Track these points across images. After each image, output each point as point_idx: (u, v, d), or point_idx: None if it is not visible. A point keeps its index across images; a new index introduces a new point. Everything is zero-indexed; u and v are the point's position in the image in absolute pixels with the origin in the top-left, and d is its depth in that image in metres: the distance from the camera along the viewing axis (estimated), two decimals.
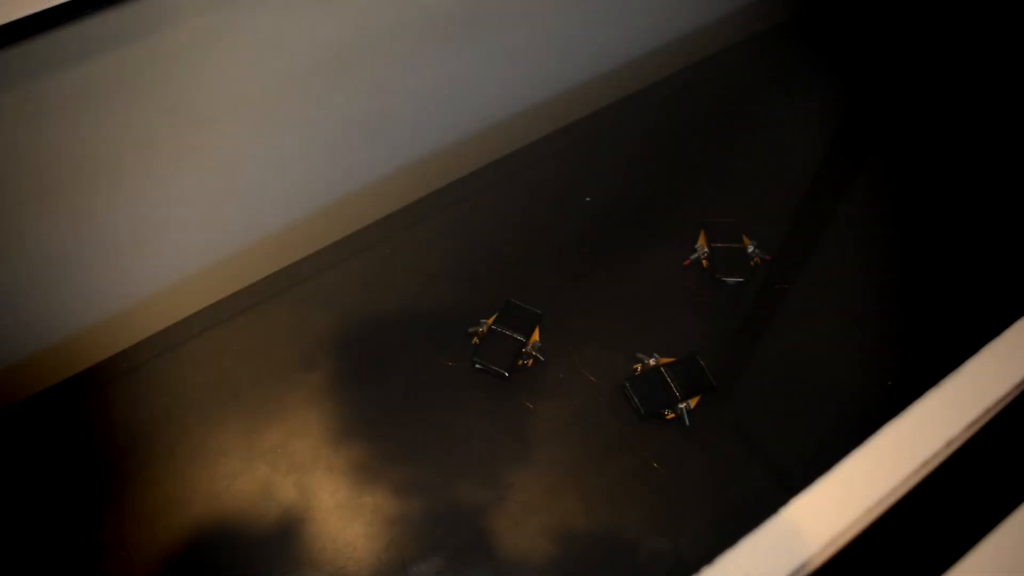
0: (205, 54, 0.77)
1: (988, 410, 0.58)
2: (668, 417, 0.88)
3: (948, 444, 0.57)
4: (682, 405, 0.88)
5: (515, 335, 0.92)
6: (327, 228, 1.01)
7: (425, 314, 0.96)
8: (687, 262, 1.00)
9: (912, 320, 0.95)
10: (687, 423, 0.87)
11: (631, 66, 1.17)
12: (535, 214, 1.04)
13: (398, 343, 0.93)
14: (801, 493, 0.54)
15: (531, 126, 1.11)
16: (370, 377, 0.91)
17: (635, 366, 0.91)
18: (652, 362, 0.91)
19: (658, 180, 1.07)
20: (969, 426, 0.57)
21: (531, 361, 0.91)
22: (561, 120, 1.12)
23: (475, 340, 0.92)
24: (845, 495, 0.54)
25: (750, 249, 0.99)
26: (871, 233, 1.03)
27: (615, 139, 1.11)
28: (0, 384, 0.89)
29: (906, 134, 1.13)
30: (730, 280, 0.98)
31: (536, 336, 0.93)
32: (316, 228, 1.01)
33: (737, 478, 0.83)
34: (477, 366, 0.90)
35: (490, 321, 0.93)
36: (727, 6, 1.21)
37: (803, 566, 0.52)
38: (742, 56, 1.22)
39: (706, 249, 1.00)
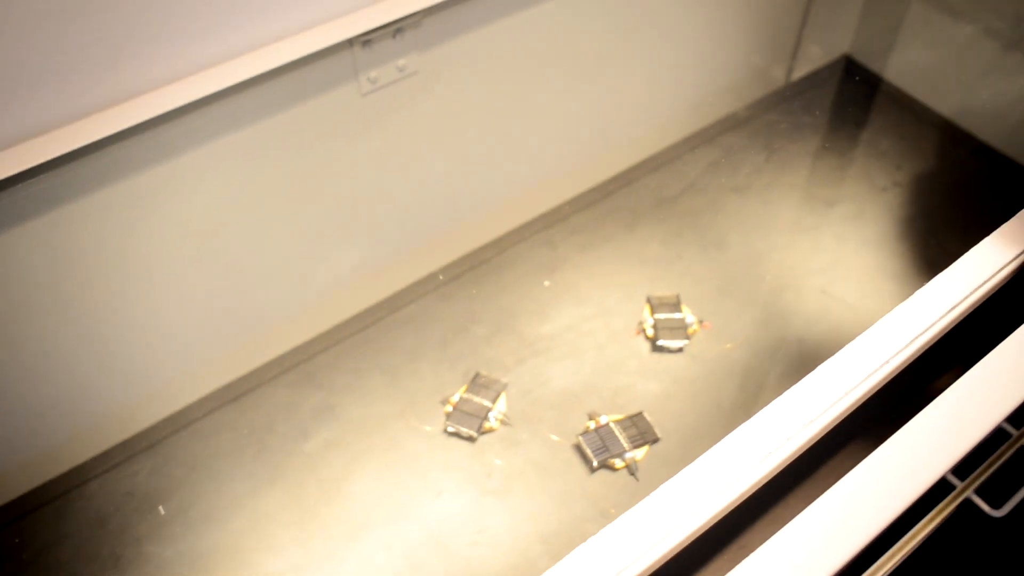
0: (202, 178, 0.93)
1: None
2: (617, 468, 1.00)
3: None
4: (630, 455, 1.00)
5: (483, 402, 1.05)
6: (319, 317, 1.16)
7: (406, 388, 1.09)
8: (636, 332, 1.14)
9: None
10: (636, 471, 1.00)
11: (582, 166, 1.34)
12: (500, 298, 1.19)
13: (382, 413, 1.07)
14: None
15: (500, 220, 1.27)
16: (358, 443, 1.04)
17: (587, 424, 1.04)
18: (603, 420, 1.04)
19: (606, 262, 1.22)
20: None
21: (498, 424, 1.05)
22: (523, 216, 1.29)
23: (448, 409, 1.06)
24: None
25: (689, 319, 1.13)
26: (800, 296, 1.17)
27: (571, 229, 1.27)
28: (29, 468, 1.03)
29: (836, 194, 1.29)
30: (672, 345, 1.11)
31: (502, 402, 1.06)
32: (310, 317, 1.16)
33: None
34: (450, 430, 1.04)
35: (462, 391, 1.07)
36: (660, 115, 1.39)
37: None
38: (689, 149, 1.39)
39: (651, 319, 1.14)
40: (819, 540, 0.66)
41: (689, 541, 0.72)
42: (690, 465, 0.74)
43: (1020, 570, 1.22)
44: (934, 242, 1.22)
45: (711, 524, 0.73)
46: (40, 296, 0.89)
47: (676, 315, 1.14)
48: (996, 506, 1.10)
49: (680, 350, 1.11)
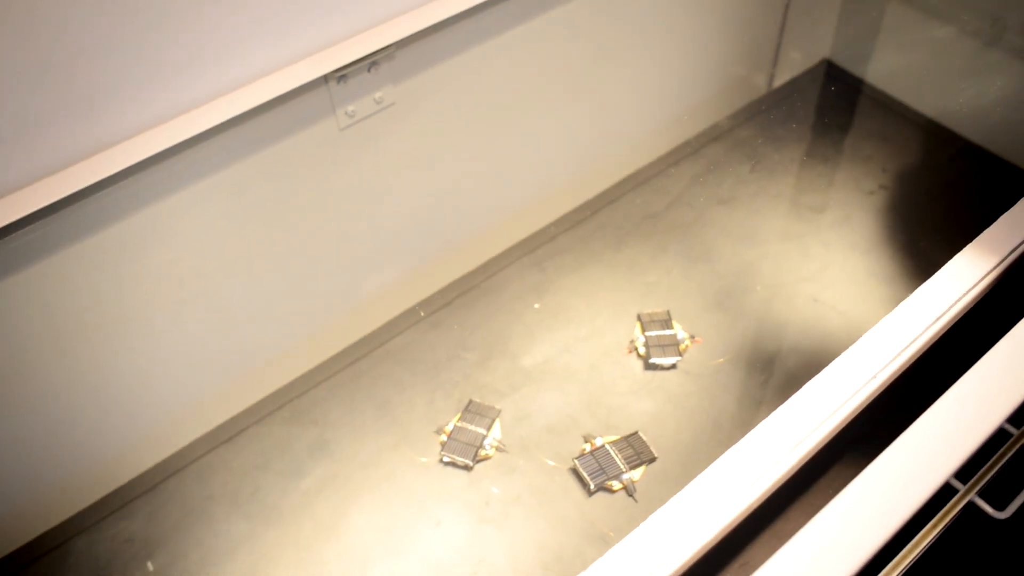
0: (185, 222, 0.93)
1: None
2: (615, 490, 0.99)
3: None
4: (627, 476, 1.00)
5: (477, 430, 1.05)
6: (310, 353, 1.16)
7: (399, 419, 1.09)
8: (628, 351, 1.13)
9: None
10: (634, 492, 0.99)
11: (570, 185, 1.34)
12: (491, 323, 1.18)
13: (377, 446, 1.06)
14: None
15: (486, 245, 1.27)
16: (354, 477, 1.04)
17: (583, 447, 1.03)
18: (599, 442, 1.03)
19: (595, 282, 1.22)
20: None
21: (493, 452, 1.04)
22: (509, 240, 1.29)
23: (443, 439, 1.05)
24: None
25: (680, 334, 1.13)
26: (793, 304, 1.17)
27: (558, 249, 1.27)
28: (27, 517, 1.02)
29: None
30: (665, 362, 1.11)
31: (496, 429, 1.06)
32: (301, 353, 1.16)
33: None
34: (445, 460, 1.03)
35: (455, 420, 1.06)
36: (644, 127, 1.40)
37: None
38: (672, 166, 1.39)
39: (642, 337, 1.13)
40: (826, 552, 0.65)
41: (691, 563, 0.71)
42: (688, 486, 0.73)
43: None
44: (924, 243, 1.22)
45: (713, 543, 0.72)
46: (29, 347, 0.89)
47: (667, 331, 1.14)
48: (1000, 508, 1.09)
49: (673, 367, 1.11)
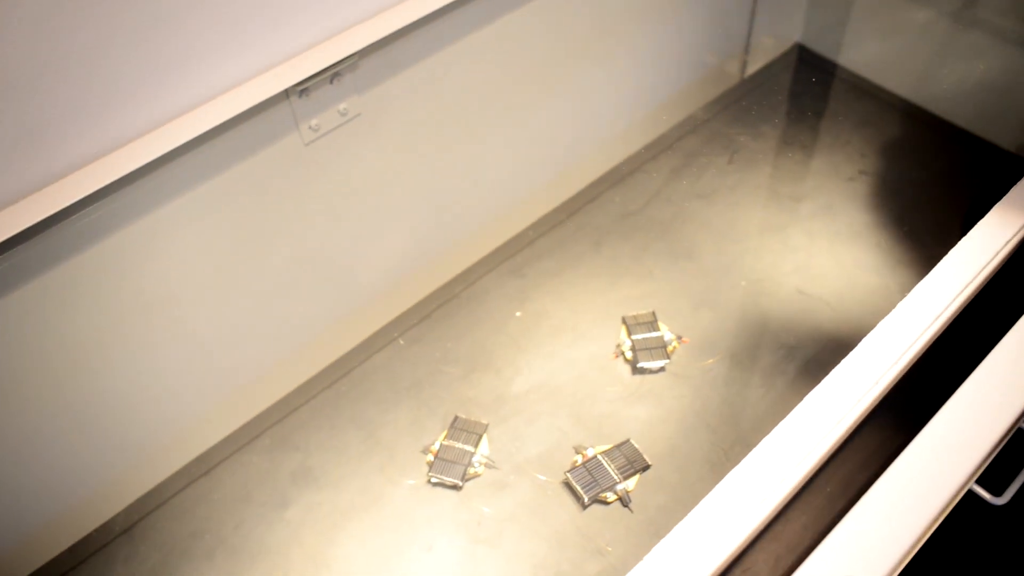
0: (151, 248, 0.89)
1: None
2: (609, 501, 0.97)
3: None
4: (621, 487, 0.97)
5: (465, 447, 1.02)
6: (288, 375, 1.12)
7: (384, 440, 1.05)
8: (615, 355, 1.11)
9: None
10: (629, 502, 0.96)
11: (551, 187, 1.31)
12: (472, 334, 1.15)
13: (362, 470, 1.03)
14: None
15: (464, 254, 1.24)
16: (340, 504, 1.00)
17: (574, 458, 1.00)
18: (590, 452, 1.00)
19: (577, 285, 1.19)
20: None
21: (483, 469, 1.01)
22: (487, 247, 1.25)
23: (429, 459, 1.02)
24: None
25: (667, 336, 1.10)
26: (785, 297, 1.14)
27: (537, 254, 1.24)
28: (4, 562, 0.98)
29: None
30: (653, 366, 1.08)
31: (484, 445, 1.02)
32: (279, 377, 1.12)
33: None
34: (433, 481, 1.00)
35: (442, 438, 1.03)
36: (632, 115, 1.37)
37: None
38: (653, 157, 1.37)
39: (628, 341, 1.11)
40: (852, 562, 0.63)
41: None
42: (697, 506, 0.70)
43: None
44: (907, 229, 1.20)
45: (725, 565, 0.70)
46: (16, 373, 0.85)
47: (654, 334, 1.11)
48: (997, 493, 1.08)
49: (662, 369, 1.08)
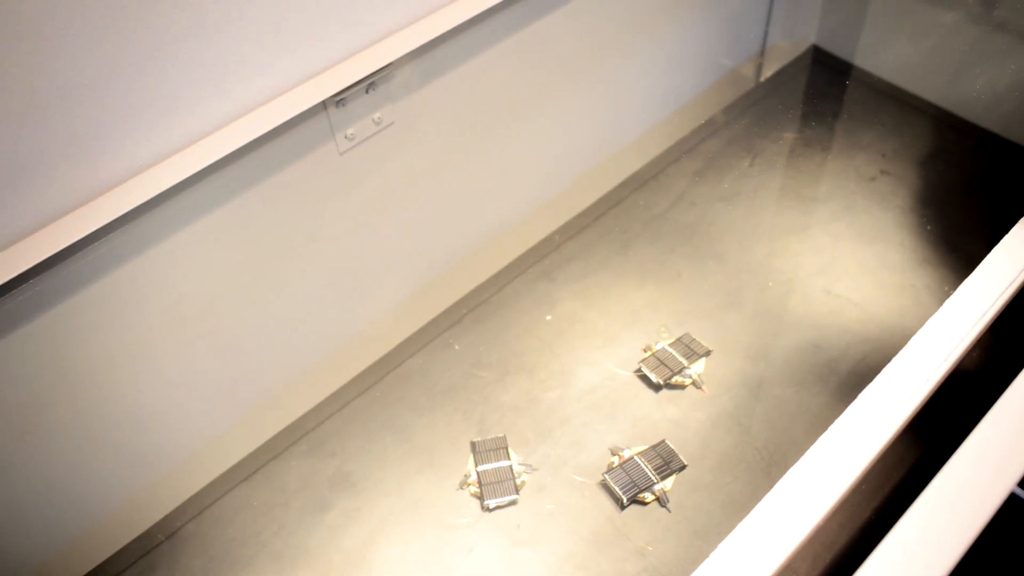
0: (190, 259, 0.90)
1: None
2: (647, 502, 0.98)
3: None
4: (659, 487, 0.98)
5: (499, 464, 1.02)
6: (322, 382, 1.13)
7: (421, 444, 1.07)
8: (644, 348, 1.12)
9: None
10: (667, 503, 0.98)
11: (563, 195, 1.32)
12: (504, 338, 1.16)
13: (400, 474, 1.04)
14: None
15: (493, 259, 1.25)
16: (380, 507, 1.01)
17: (611, 460, 1.02)
18: (626, 454, 1.02)
19: (605, 288, 1.20)
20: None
21: (526, 476, 1.02)
22: (516, 251, 1.27)
23: (474, 490, 1.01)
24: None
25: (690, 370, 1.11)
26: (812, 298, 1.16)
27: (565, 257, 1.25)
28: (48, 571, 0.99)
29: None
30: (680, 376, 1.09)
31: (513, 455, 1.03)
32: (313, 383, 1.13)
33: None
34: (492, 506, 1.00)
35: (472, 467, 1.03)
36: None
37: None
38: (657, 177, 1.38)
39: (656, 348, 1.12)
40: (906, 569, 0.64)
41: None
42: (752, 512, 0.71)
43: None
44: (930, 228, 1.21)
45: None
46: (36, 404, 0.86)
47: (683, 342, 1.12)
48: None
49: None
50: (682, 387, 1.08)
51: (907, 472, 0.97)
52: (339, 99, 0.93)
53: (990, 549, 1.19)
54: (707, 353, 1.10)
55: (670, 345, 1.11)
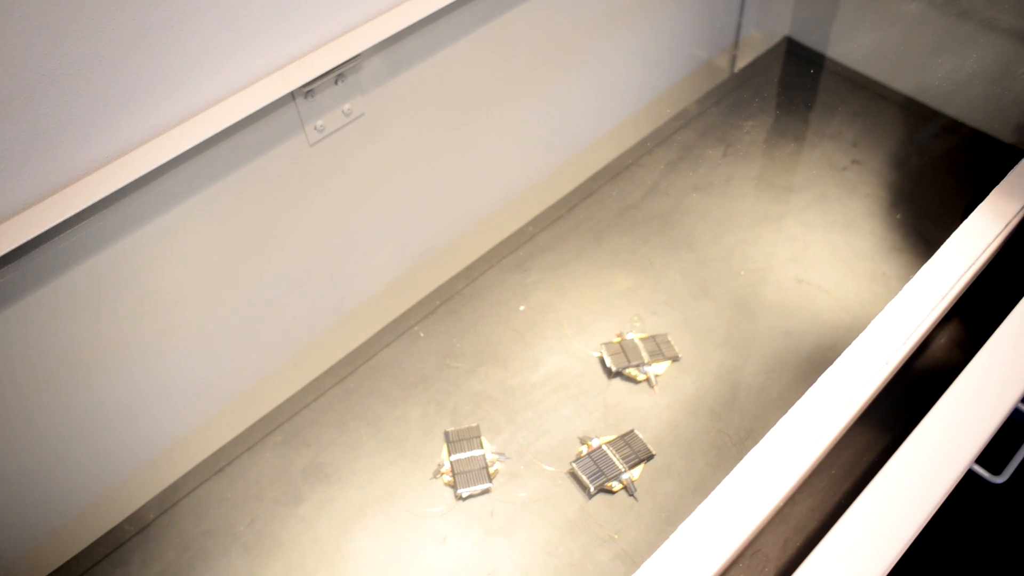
0: (161, 251, 0.90)
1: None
2: (615, 490, 0.99)
3: None
4: (626, 476, 0.99)
5: (472, 454, 1.03)
6: (296, 373, 1.13)
7: (394, 435, 1.07)
8: (617, 335, 1.12)
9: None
10: (634, 491, 0.98)
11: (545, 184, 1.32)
12: (477, 329, 1.17)
13: (374, 465, 1.04)
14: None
15: (467, 250, 1.25)
16: (353, 499, 1.02)
17: (580, 449, 1.02)
18: (595, 443, 1.02)
19: (579, 278, 1.21)
20: None
21: (499, 464, 1.02)
22: (489, 242, 1.27)
23: (447, 479, 1.02)
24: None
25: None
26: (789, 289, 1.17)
27: (539, 248, 1.26)
28: (19, 567, 0.99)
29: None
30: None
31: (486, 444, 1.03)
32: (287, 375, 1.13)
33: None
34: (465, 495, 1.00)
35: (446, 456, 1.04)
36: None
37: None
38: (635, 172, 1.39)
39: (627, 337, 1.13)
40: (858, 549, 0.65)
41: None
42: (712, 494, 0.72)
43: None
44: (900, 216, 1.23)
45: (738, 552, 0.71)
46: (9, 392, 0.86)
47: (657, 333, 1.13)
48: (996, 472, 1.11)
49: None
50: (634, 381, 1.08)
51: (876, 457, 0.98)
52: (308, 90, 0.93)
53: (948, 524, 1.22)
54: (675, 358, 1.10)
55: (641, 339, 1.11)
